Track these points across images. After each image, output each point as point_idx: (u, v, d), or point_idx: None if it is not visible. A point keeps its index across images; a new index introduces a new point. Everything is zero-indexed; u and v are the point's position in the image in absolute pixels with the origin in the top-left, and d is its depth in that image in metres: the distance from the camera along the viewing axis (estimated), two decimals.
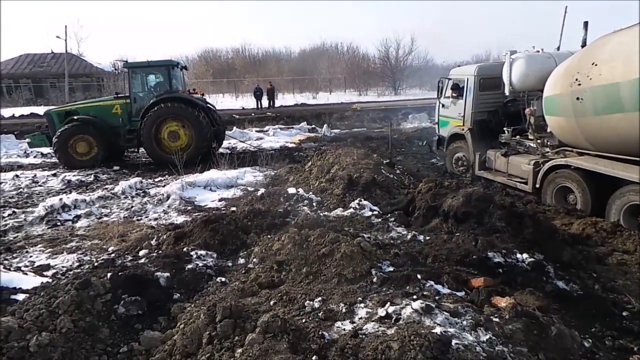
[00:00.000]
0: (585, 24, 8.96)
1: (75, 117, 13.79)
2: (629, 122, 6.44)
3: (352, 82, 48.01)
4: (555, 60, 8.75)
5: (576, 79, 7.27)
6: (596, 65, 6.91)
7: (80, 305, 3.82)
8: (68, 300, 3.80)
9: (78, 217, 8.30)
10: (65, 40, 31.55)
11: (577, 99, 7.25)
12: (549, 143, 8.86)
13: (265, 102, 29.89)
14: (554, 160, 8.03)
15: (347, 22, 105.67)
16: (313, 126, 22.79)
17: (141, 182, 10.50)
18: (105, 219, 8.28)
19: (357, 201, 7.17)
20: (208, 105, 15.46)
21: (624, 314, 4.25)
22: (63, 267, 5.88)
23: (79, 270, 5.46)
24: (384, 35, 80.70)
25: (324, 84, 46.89)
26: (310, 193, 8.36)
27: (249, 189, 10.14)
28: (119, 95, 14.79)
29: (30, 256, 6.36)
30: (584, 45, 8.61)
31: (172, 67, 14.30)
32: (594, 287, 4.74)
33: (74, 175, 12.24)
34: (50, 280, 5.01)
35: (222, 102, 36.79)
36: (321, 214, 6.91)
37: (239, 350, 2.99)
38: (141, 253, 5.74)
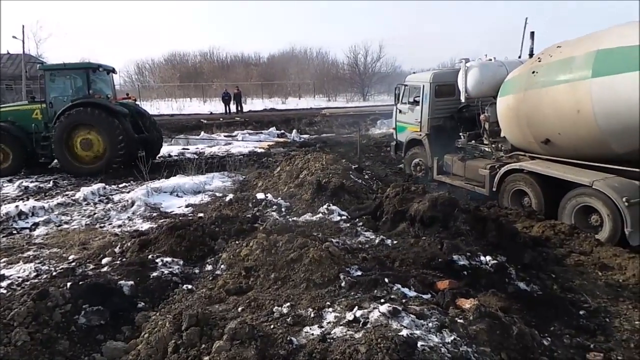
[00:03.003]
0: (532, 34, 9.56)
1: None
2: (567, 92, 6.95)
3: (321, 87, 48.31)
4: (507, 68, 9.20)
5: (538, 58, 7.86)
6: (560, 47, 7.50)
7: (37, 317, 3.66)
8: (24, 311, 3.64)
9: (36, 224, 7.96)
10: (23, 40, 30.42)
11: (533, 72, 7.77)
12: (502, 147, 9.23)
13: (233, 107, 29.63)
14: (508, 165, 8.35)
15: (316, 29, 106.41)
16: (282, 131, 22.78)
17: (104, 187, 10.19)
18: (65, 226, 7.97)
19: (325, 206, 7.18)
20: (139, 111, 14.89)
21: (581, 312, 4.43)
22: (19, 277, 5.58)
23: (36, 281, 5.21)
24: (353, 42, 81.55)
25: (293, 89, 46.96)
26: (279, 198, 8.32)
27: (217, 194, 10.00)
28: (35, 100, 14.04)
29: None
30: (531, 54, 9.12)
31: (92, 70, 13.46)
32: (553, 288, 4.93)
33: (31, 182, 11.73)
34: (4, 291, 4.78)
35: (190, 106, 36.34)
36: (290, 219, 6.89)
37: (206, 358, 2.94)
38: (104, 261, 5.54)
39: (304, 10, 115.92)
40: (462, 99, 9.98)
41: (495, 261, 4.99)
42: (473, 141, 10.13)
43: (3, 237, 7.39)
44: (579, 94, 6.77)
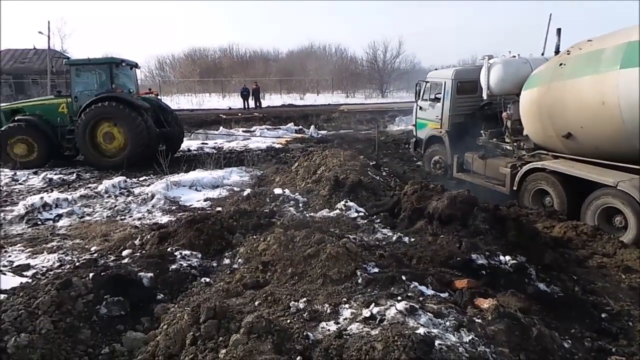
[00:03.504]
0: (558, 31, 9.29)
1: (16, 118, 13.29)
2: (593, 84, 6.81)
3: (339, 83, 48.16)
4: (531, 66, 9.00)
5: (568, 51, 7.72)
6: (591, 40, 7.34)
7: (60, 306, 3.75)
8: (48, 300, 3.73)
9: (59, 216, 8.15)
10: (48, 36, 31.11)
11: (560, 64, 7.64)
12: (525, 146, 9.05)
13: (252, 103, 29.78)
14: (531, 164, 8.19)
15: (336, 24, 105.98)
16: (300, 127, 22.79)
17: (125, 181, 10.36)
18: (87, 218, 8.15)
19: (343, 202, 7.18)
20: (161, 105, 15.05)
21: (603, 315, 4.34)
22: (43, 267, 5.76)
23: (59, 271, 5.36)
24: (372, 38, 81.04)
25: (312, 85, 46.92)
26: (297, 194, 8.35)
27: (235, 189, 10.09)
28: (61, 94, 14.29)
29: (9, 256, 6.21)
30: (557, 51, 8.89)
31: (115, 65, 13.64)
32: (574, 289, 4.83)
33: (55, 174, 12.02)
34: (29, 280, 4.90)
35: (209, 101, 36.64)
36: (307, 215, 6.91)
37: (223, 351, 2.97)
38: (124, 253, 5.66)
39: (322, 6, 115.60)
40: (484, 96, 9.82)
41: (514, 261, 4.91)
42: (494, 139, 9.96)
43: (28, 227, 7.61)
44: (605, 85, 6.60)
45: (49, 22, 31.25)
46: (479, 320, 3.30)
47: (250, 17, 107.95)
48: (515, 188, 8.45)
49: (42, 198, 8.52)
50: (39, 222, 7.85)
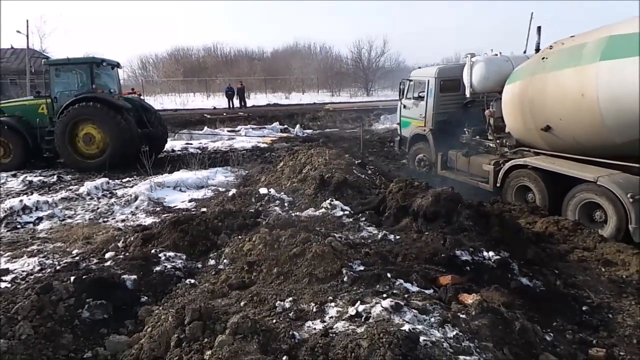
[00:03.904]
0: (539, 29, 9.47)
1: None
2: (573, 76, 6.94)
3: (324, 82, 48.20)
4: (513, 64, 9.13)
5: (550, 46, 7.88)
6: (574, 36, 7.52)
7: (41, 311, 3.69)
8: (28, 305, 3.66)
9: (40, 219, 7.99)
10: (27, 35, 30.43)
11: (543, 58, 7.77)
12: (507, 143, 9.19)
13: (236, 102, 29.60)
14: (513, 160, 8.32)
15: (320, 23, 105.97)
16: (285, 126, 22.74)
17: (108, 182, 10.21)
18: (69, 221, 8.01)
19: (328, 201, 7.18)
20: (144, 106, 14.84)
21: (584, 308, 4.42)
22: (23, 271, 5.62)
23: (40, 275, 5.25)
24: (356, 37, 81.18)
25: (297, 84, 46.85)
26: (282, 193, 8.32)
27: (220, 189, 10.02)
28: (40, 95, 14.03)
29: None
30: (537, 49, 9.05)
31: (95, 64, 13.36)
32: (556, 283, 4.91)
33: (35, 176, 11.78)
34: (8, 285, 4.80)
35: (193, 101, 36.34)
36: (293, 214, 6.89)
37: (208, 352, 2.95)
38: (107, 255, 5.57)
39: (307, 4, 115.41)
40: (467, 94, 9.93)
41: (498, 257, 4.97)
42: (477, 137, 10.09)
43: (7, 231, 7.44)
44: (585, 77, 6.73)
45: (27, 21, 30.64)
46: (463, 316, 3.33)
47: (235, 15, 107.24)
48: (498, 185, 8.57)
49: (21, 201, 8.35)
50: (19, 226, 7.69)
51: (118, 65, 14.93)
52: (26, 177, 11.50)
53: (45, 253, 6.31)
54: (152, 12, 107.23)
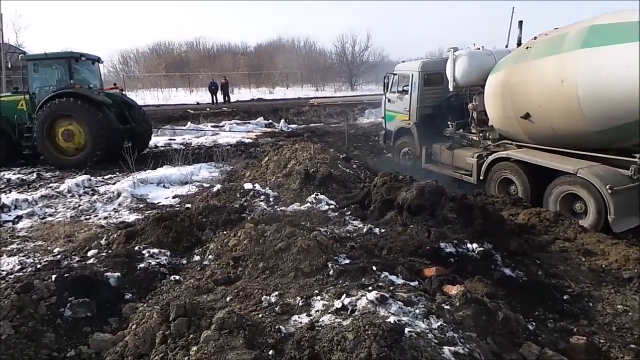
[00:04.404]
0: (520, 23, 9.59)
1: None
2: (555, 63, 7.10)
3: (309, 77, 48.06)
4: (495, 58, 9.23)
5: (535, 37, 8.07)
6: (558, 28, 7.70)
7: (21, 310, 3.61)
8: (8, 305, 3.59)
9: (19, 217, 7.81)
10: (1, 29, 29.52)
11: (527, 48, 7.97)
12: (490, 136, 9.31)
13: (220, 97, 29.33)
14: (496, 154, 8.44)
15: (304, 17, 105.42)
16: (270, 121, 22.63)
17: (89, 179, 10.02)
18: (49, 219, 7.84)
19: (313, 195, 7.18)
20: (127, 101, 14.55)
21: (565, 297, 4.51)
22: (2, 270, 5.49)
23: (20, 274, 5.13)
24: (340, 31, 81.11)
25: (281, 79, 46.64)
26: (267, 188, 8.29)
27: (205, 185, 9.93)
28: (18, 91, 13.71)
29: None
30: (519, 43, 9.17)
31: (74, 59, 13.00)
32: (538, 274, 5.00)
33: (14, 174, 11.51)
34: None
35: (176, 96, 35.88)
36: (278, 209, 6.88)
37: (194, 348, 2.93)
38: (90, 253, 5.48)
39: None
40: (451, 87, 10.02)
41: (481, 248, 5.04)
42: (461, 130, 10.20)
43: None
44: (566, 64, 6.90)
45: (1, 14, 29.70)
46: (448, 307, 3.37)
47: (217, 9, 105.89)
48: (481, 177, 8.69)
49: None
50: None
51: (99, 60, 14.58)
52: (4, 174, 11.25)
53: (26, 252, 6.18)
54: (132, 7, 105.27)
